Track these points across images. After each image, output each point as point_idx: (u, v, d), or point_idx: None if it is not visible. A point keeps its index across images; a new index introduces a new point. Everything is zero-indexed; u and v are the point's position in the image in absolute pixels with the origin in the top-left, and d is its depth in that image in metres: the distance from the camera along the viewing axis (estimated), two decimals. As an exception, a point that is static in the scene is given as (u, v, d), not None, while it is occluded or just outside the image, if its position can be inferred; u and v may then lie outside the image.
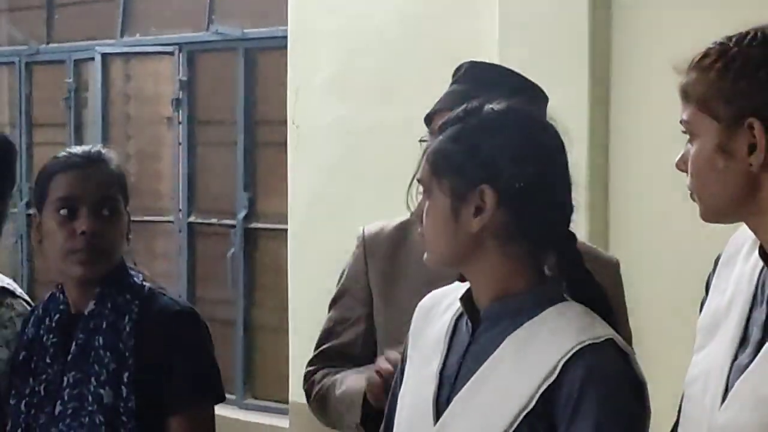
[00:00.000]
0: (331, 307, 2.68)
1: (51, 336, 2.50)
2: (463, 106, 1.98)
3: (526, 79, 2.52)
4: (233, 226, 5.36)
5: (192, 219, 5.41)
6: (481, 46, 4.31)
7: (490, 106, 1.97)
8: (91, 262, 2.43)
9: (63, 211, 2.43)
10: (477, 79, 2.46)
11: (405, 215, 2.40)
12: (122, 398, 2.38)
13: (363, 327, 2.61)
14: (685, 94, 1.89)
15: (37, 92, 5.81)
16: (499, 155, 1.90)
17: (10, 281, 2.77)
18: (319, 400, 2.61)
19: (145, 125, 5.54)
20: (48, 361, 2.49)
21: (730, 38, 1.88)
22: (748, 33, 1.88)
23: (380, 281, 2.59)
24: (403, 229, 2.59)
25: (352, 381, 2.52)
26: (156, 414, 2.39)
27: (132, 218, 2.53)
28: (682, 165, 1.93)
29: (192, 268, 5.56)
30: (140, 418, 2.38)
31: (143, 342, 2.41)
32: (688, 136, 1.93)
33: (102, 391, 2.39)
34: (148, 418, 2.39)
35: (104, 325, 2.43)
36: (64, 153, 2.53)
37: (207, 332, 2.50)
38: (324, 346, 2.66)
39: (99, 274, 2.45)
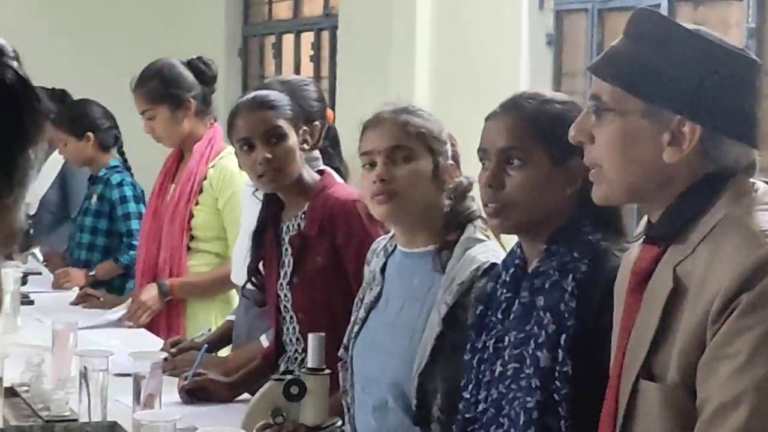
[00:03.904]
0: None
1: (504, 291, 2.43)
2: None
3: (709, 42, 1.93)
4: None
5: None
6: None
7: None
8: (499, 216, 2.37)
9: (482, 162, 2.41)
10: (641, 34, 1.96)
11: None
12: (558, 362, 2.26)
13: None
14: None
15: (609, 39, 5.75)
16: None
17: None
18: None
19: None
20: (499, 316, 2.43)
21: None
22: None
23: None
24: None
25: None
26: (595, 381, 2.22)
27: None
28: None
29: None
30: (576, 384, 2.25)
31: (585, 304, 2.27)
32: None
33: (540, 353, 2.28)
34: (585, 385, 2.24)
35: (547, 285, 2.33)
36: None
37: None
38: None
39: (506, 228, 2.41)
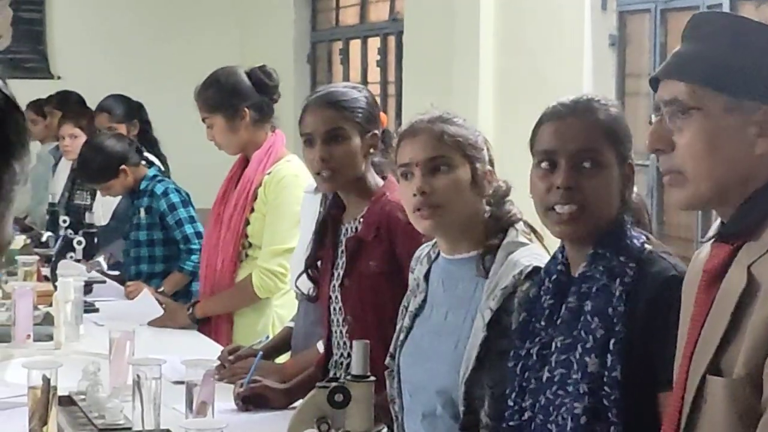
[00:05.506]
0: None
1: (548, 297, 2.42)
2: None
3: None
4: None
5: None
6: None
7: None
8: (575, 220, 2.33)
9: (544, 164, 2.37)
10: (710, 33, 1.91)
11: None
12: (607, 367, 2.24)
13: None
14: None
15: (672, 39, 5.69)
16: None
17: None
18: None
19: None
20: (543, 323, 2.41)
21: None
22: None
23: None
24: None
25: None
26: (644, 387, 2.23)
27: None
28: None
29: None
30: (625, 389, 2.23)
31: (633, 308, 2.26)
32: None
33: (588, 359, 2.27)
34: (635, 391, 2.23)
35: (594, 289, 2.31)
36: (554, 103, 2.43)
37: None
38: None
39: (581, 233, 2.34)
